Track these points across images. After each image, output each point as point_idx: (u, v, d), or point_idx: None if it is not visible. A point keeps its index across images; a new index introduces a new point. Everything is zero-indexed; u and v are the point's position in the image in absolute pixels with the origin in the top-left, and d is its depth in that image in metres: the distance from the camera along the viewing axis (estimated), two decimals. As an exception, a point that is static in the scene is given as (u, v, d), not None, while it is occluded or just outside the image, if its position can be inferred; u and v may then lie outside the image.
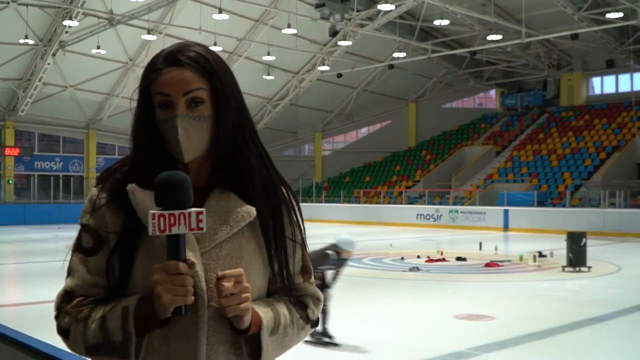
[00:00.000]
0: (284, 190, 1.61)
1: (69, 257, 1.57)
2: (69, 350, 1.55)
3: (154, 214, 1.36)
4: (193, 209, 1.38)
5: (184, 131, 1.47)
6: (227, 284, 1.39)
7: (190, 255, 1.43)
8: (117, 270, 1.50)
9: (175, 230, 1.37)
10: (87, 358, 1.53)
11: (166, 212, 1.37)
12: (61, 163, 35.64)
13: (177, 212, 1.37)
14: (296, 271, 1.63)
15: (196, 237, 1.48)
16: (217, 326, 1.47)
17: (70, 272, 1.55)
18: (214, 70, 1.51)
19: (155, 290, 1.36)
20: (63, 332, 1.50)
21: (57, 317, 1.53)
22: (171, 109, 1.48)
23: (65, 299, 1.53)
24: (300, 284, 1.64)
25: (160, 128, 1.50)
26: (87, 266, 1.53)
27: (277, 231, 1.57)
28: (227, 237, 1.50)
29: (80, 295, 1.52)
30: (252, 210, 1.52)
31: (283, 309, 1.55)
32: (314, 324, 1.65)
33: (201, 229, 1.38)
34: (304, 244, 1.63)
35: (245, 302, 1.41)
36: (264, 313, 1.50)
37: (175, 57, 1.49)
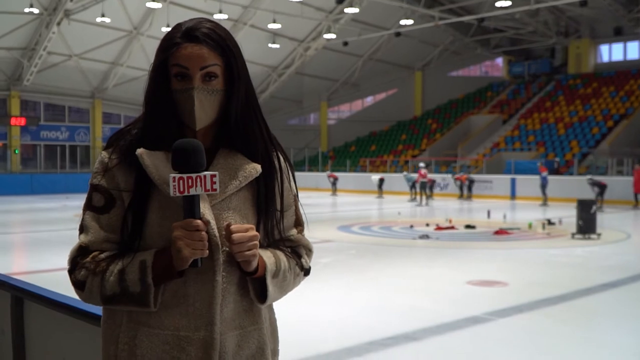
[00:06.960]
0: (280, 155, 1.77)
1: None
2: (82, 301, 1.66)
3: (174, 177, 1.51)
4: (207, 172, 1.53)
5: (199, 102, 1.60)
6: (237, 234, 1.54)
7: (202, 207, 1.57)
8: (129, 225, 1.63)
9: (192, 191, 1.51)
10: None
11: (185, 175, 1.51)
12: (67, 133, 35.64)
13: (194, 175, 1.52)
14: (291, 224, 1.79)
15: None
16: (229, 268, 1.62)
17: (83, 229, 1.66)
18: (228, 48, 1.64)
19: (176, 245, 1.50)
20: (78, 284, 1.62)
21: (71, 271, 1.64)
22: (187, 81, 1.61)
23: (80, 254, 1.64)
24: (294, 235, 1.79)
25: (175, 97, 1.62)
26: (100, 223, 1.65)
27: (275, 188, 1.72)
28: (235, 190, 1.64)
29: (94, 250, 1.63)
30: (258, 167, 1.67)
31: (282, 257, 1.72)
32: (307, 272, 1.80)
33: (215, 190, 1.53)
34: (296, 200, 1.80)
35: (253, 249, 1.56)
36: (268, 258, 1.67)
37: (193, 33, 1.61)
